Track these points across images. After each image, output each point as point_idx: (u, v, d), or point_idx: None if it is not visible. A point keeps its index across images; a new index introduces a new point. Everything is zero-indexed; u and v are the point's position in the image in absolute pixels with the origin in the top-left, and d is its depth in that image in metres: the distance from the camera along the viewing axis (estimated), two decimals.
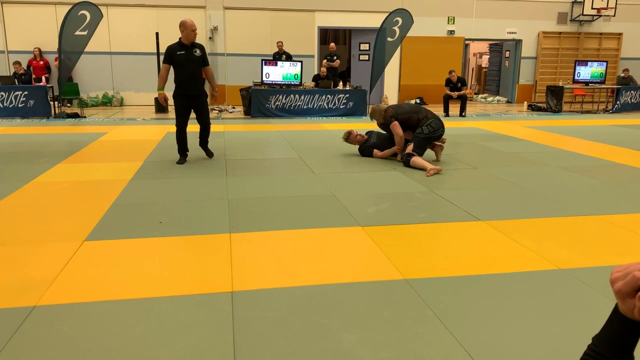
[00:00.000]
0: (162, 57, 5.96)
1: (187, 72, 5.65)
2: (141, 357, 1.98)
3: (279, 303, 2.43)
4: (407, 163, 5.67)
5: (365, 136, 6.49)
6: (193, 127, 6.21)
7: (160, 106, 11.59)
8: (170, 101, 5.92)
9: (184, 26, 5.61)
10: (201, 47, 5.82)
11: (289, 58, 12.21)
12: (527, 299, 2.51)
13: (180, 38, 5.68)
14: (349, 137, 6.52)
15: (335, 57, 12.60)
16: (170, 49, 5.63)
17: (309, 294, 2.54)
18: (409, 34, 12.20)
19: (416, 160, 5.60)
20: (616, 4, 14.61)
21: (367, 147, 6.37)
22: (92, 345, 2.06)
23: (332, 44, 12.98)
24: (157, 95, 5.96)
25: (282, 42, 12.64)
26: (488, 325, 2.25)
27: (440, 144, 6.12)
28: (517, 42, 15.29)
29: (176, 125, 5.89)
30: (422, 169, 5.46)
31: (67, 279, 2.69)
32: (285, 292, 2.56)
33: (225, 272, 2.80)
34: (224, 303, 2.43)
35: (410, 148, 5.73)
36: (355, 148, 6.67)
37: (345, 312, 2.35)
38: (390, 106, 6.13)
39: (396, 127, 5.92)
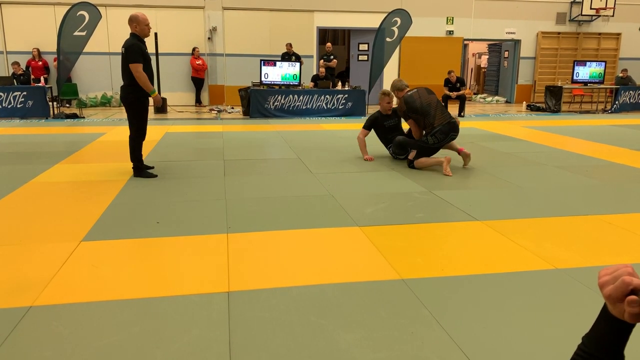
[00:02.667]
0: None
1: (151, 71, 5.10)
2: (137, 357, 1.98)
3: (275, 303, 2.43)
4: (412, 167, 5.63)
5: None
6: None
7: (160, 107, 11.62)
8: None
9: (136, 21, 4.97)
10: None
11: (298, 59, 12.23)
12: (524, 299, 2.51)
13: (132, 34, 5.01)
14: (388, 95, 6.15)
15: (332, 57, 12.61)
16: (139, 45, 4.95)
17: (306, 294, 2.54)
18: (407, 34, 12.21)
19: (421, 161, 5.55)
20: (615, 4, 14.62)
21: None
22: (89, 345, 2.06)
23: (329, 44, 12.99)
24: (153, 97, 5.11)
25: (290, 44, 12.65)
26: (484, 325, 2.25)
27: (466, 154, 5.75)
28: (516, 42, 15.30)
29: (138, 135, 5.15)
30: (435, 165, 5.48)
31: (63, 279, 2.69)
32: (282, 292, 2.56)
33: (222, 272, 2.80)
34: (220, 303, 2.43)
35: (412, 155, 5.64)
36: (351, 149, 6.65)
37: (342, 312, 2.35)
38: (405, 98, 5.64)
39: (413, 125, 5.69)
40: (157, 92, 5.08)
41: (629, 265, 0.79)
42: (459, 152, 5.77)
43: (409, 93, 5.69)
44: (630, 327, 0.78)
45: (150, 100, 5.15)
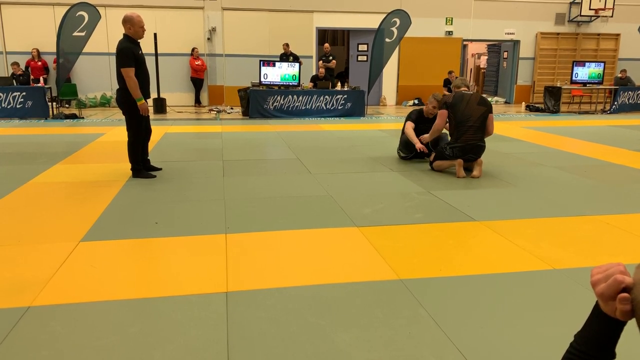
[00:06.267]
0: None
1: (146, 73, 5.05)
2: (135, 357, 1.98)
3: (273, 303, 2.44)
4: (431, 168, 5.59)
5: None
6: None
7: (159, 107, 11.65)
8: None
9: (131, 22, 4.89)
10: None
11: (296, 59, 12.22)
12: (522, 299, 2.52)
13: (125, 35, 4.94)
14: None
15: (330, 58, 12.61)
16: (130, 48, 4.86)
17: (304, 294, 2.54)
18: (407, 35, 12.22)
19: (438, 163, 5.50)
20: (614, 4, 14.63)
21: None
22: (87, 345, 2.06)
23: (327, 45, 12.99)
24: (142, 100, 4.93)
25: (287, 44, 12.64)
26: (482, 326, 2.25)
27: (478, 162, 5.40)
28: (515, 43, 15.31)
29: (135, 137, 5.10)
30: (450, 167, 5.43)
31: (62, 280, 2.69)
32: (280, 292, 2.56)
33: (220, 272, 2.80)
34: (218, 303, 2.43)
35: (432, 157, 5.64)
36: (350, 149, 6.65)
37: (340, 312, 2.35)
38: (456, 95, 5.42)
39: (440, 118, 5.47)
40: (144, 100, 4.94)
41: (621, 264, 0.79)
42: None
43: (462, 92, 5.45)
44: (621, 325, 0.79)
45: (150, 101, 5.14)
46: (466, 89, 5.59)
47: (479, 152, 5.38)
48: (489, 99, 15.69)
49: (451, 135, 5.46)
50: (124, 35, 4.97)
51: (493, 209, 4.10)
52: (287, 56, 12.48)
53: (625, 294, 0.75)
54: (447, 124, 5.55)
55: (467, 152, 5.33)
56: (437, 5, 14.37)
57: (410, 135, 5.97)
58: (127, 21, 4.93)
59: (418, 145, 5.84)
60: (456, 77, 11.21)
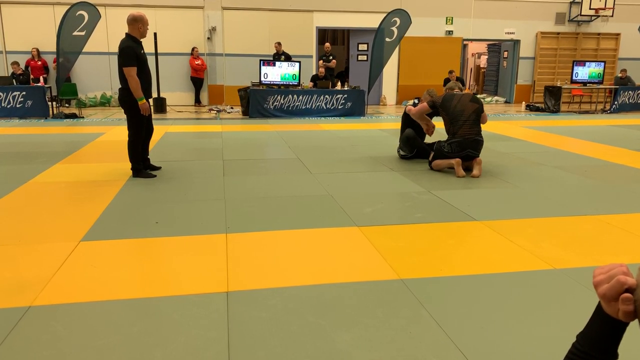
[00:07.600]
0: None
1: (148, 73, 5.03)
2: (136, 356, 1.98)
3: (274, 303, 2.44)
4: (430, 168, 5.58)
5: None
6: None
7: (159, 106, 11.64)
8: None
9: (141, 21, 4.91)
10: None
11: (288, 59, 12.21)
12: (523, 298, 2.52)
13: (127, 34, 4.94)
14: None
15: (331, 57, 12.60)
16: (132, 47, 4.84)
17: (305, 293, 2.54)
18: (407, 34, 12.22)
19: (436, 163, 5.49)
20: (614, 4, 14.63)
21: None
22: (88, 345, 2.06)
23: (327, 44, 12.98)
24: (143, 100, 4.92)
25: (279, 43, 12.63)
26: (483, 326, 2.25)
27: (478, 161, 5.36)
28: (515, 43, 15.31)
29: (136, 137, 5.09)
30: (448, 166, 5.41)
31: (62, 279, 2.69)
32: (281, 292, 2.56)
33: (221, 272, 2.80)
34: (219, 303, 2.43)
35: (431, 156, 5.62)
36: (350, 149, 6.65)
37: (340, 312, 2.35)
38: (445, 94, 5.53)
39: (420, 109, 5.60)
40: (145, 100, 4.93)
41: (624, 265, 0.79)
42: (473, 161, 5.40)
43: (453, 92, 5.56)
44: (624, 326, 0.79)
45: (150, 101, 5.14)
46: (459, 90, 5.70)
47: (477, 147, 5.37)
48: (489, 98, 15.79)
49: (447, 133, 5.49)
50: (127, 34, 4.97)
51: (493, 209, 4.10)
52: (279, 55, 12.47)
53: (627, 295, 0.75)
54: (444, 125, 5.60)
55: (465, 147, 5.32)
56: (437, 5, 14.36)
57: (417, 113, 5.80)
58: (139, 20, 4.93)
59: (430, 125, 5.85)
60: (447, 79, 11.25)
